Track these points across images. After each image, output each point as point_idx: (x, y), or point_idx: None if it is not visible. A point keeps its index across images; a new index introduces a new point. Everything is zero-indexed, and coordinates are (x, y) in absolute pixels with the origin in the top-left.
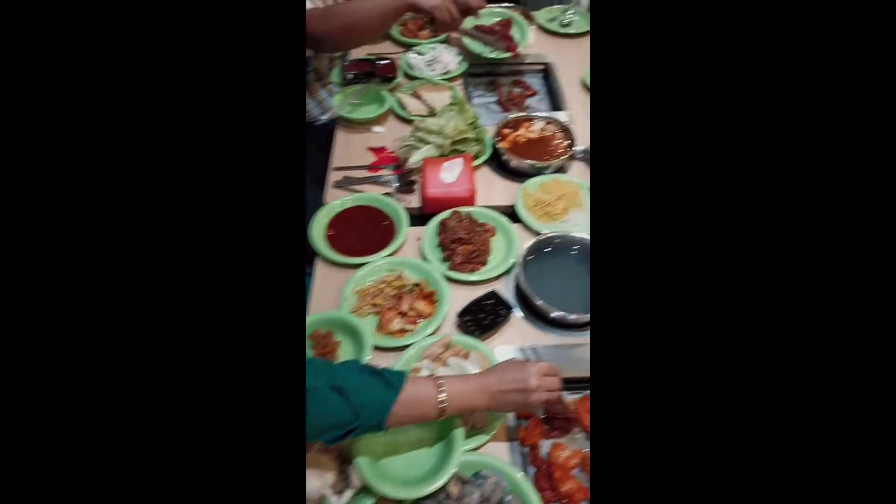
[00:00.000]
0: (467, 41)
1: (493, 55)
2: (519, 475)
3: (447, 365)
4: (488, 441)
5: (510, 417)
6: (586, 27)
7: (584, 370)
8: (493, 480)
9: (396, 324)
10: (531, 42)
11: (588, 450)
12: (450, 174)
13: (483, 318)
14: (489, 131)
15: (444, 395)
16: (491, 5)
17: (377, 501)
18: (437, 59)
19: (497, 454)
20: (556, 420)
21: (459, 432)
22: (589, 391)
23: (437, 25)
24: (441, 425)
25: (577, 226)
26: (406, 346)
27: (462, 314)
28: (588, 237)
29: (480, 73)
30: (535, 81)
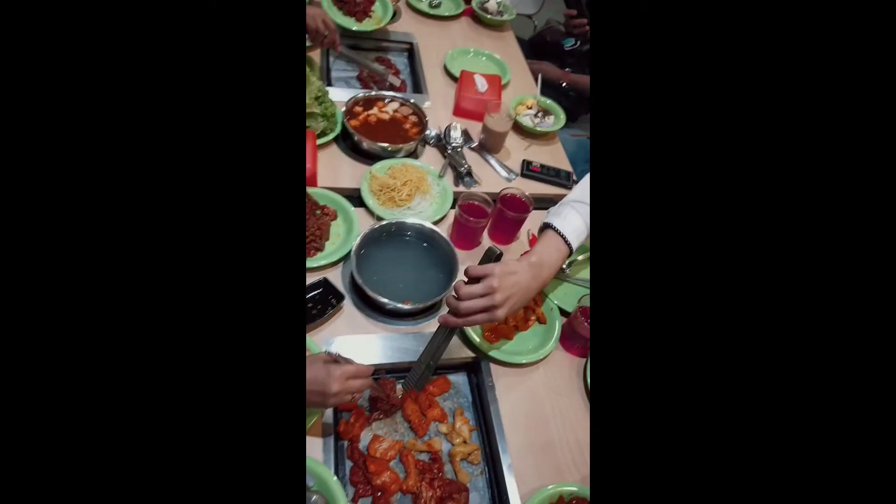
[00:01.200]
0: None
1: (355, 27)
2: (328, 472)
3: None
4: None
5: (328, 412)
6: (456, 10)
7: (411, 358)
8: None
9: None
10: (399, 20)
11: (408, 440)
12: None
13: (311, 307)
14: (341, 108)
15: None
16: None
17: None
18: None
19: (313, 450)
20: (378, 402)
21: None
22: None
23: (311, 36)
24: None
25: (421, 213)
26: None
27: None
28: (423, 223)
29: (342, 54)
30: (399, 60)
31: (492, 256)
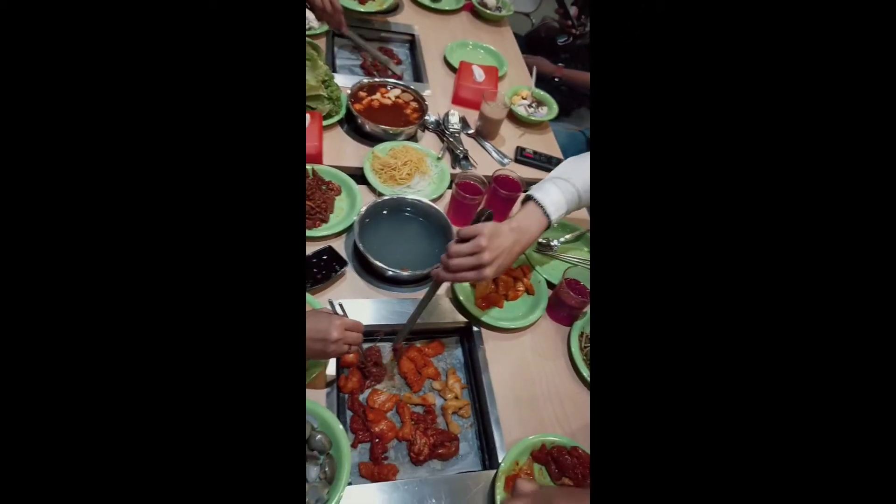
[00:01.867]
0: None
1: (362, 9)
2: (332, 415)
3: None
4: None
5: (332, 367)
6: (456, 4)
7: (403, 320)
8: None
9: None
10: (402, 12)
11: (405, 393)
12: None
13: (316, 272)
14: (346, 92)
15: None
16: None
17: None
18: None
19: (317, 400)
20: (372, 367)
21: None
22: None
23: (315, 13)
24: None
25: (420, 191)
26: None
27: None
28: (421, 199)
29: (347, 35)
30: (401, 51)
31: (481, 216)
